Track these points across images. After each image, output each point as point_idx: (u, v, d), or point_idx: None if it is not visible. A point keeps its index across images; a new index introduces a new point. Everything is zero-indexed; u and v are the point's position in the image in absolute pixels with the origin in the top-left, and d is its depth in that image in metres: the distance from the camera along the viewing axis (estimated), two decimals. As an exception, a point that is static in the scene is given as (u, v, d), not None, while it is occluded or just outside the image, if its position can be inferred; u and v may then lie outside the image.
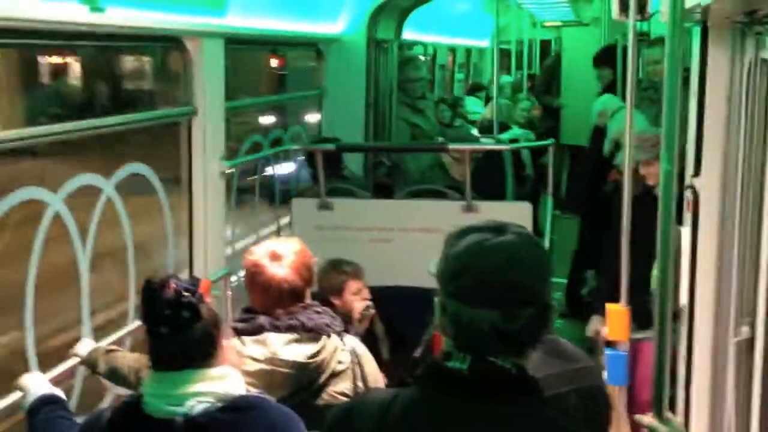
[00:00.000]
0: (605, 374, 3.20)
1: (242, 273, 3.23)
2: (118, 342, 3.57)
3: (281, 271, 2.96)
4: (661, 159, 1.87)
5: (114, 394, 3.62)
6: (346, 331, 3.20)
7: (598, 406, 2.12)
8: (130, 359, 3.15)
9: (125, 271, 3.91)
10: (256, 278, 2.98)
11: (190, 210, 4.30)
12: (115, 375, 3.15)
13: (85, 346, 3.25)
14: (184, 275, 4.27)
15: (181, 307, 2.27)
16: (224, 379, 2.32)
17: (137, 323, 3.77)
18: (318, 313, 2.99)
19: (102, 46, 3.99)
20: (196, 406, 2.25)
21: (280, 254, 3.00)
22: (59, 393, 2.78)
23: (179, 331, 2.28)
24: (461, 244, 1.74)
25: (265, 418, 2.31)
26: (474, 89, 11.80)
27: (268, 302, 2.97)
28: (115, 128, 3.89)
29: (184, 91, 4.24)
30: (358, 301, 4.12)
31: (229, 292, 4.34)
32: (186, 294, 2.28)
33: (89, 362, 3.19)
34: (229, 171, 4.57)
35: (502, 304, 1.67)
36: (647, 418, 2.03)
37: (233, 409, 2.28)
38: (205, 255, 4.31)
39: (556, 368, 1.79)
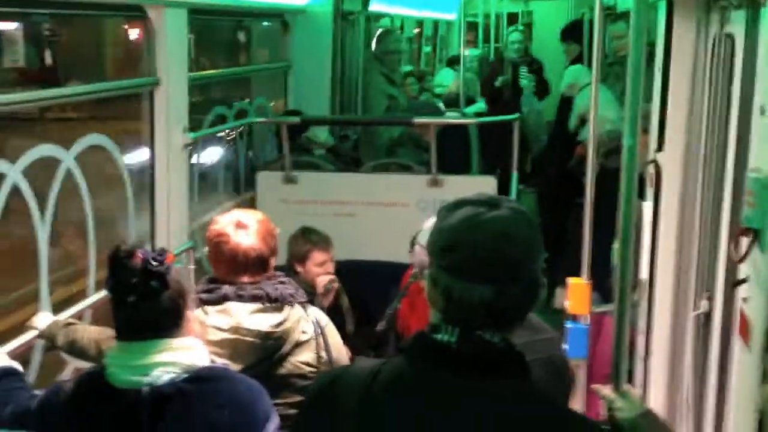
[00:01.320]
0: (566, 346, 3.23)
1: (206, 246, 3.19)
2: (78, 316, 3.52)
3: (247, 239, 2.94)
4: (624, 134, 1.88)
5: (74, 367, 3.58)
6: (311, 302, 3.20)
7: (561, 376, 2.14)
8: (91, 332, 3.11)
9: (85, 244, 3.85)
10: (221, 247, 2.95)
11: (152, 182, 4.24)
12: (75, 348, 3.11)
13: (43, 320, 3.20)
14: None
15: (149, 276, 2.25)
16: (190, 350, 2.31)
17: (97, 296, 3.73)
18: (282, 283, 2.99)
19: (61, 14, 3.89)
20: (162, 376, 2.24)
21: (245, 223, 2.98)
22: (17, 366, 2.74)
23: (146, 300, 2.26)
24: (455, 217, 1.71)
25: (231, 389, 2.31)
26: (452, 61, 11.74)
27: (233, 271, 2.94)
28: (76, 98, 3.82)
29: (147, 61, 4.17)
30: (321, 274, 4.13)
31: (192, 266, 4.30)
32: (154, 263, 2.25)
33: (47, 335, 3.15)
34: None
35: (494, 278, 1.66)
36: (605, 390, 2.04)
37: (198, 379, 2.27)
38: (167, 228, 4.26)
39: (524, 339, 1.80)
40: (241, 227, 2.96)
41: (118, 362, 2.28)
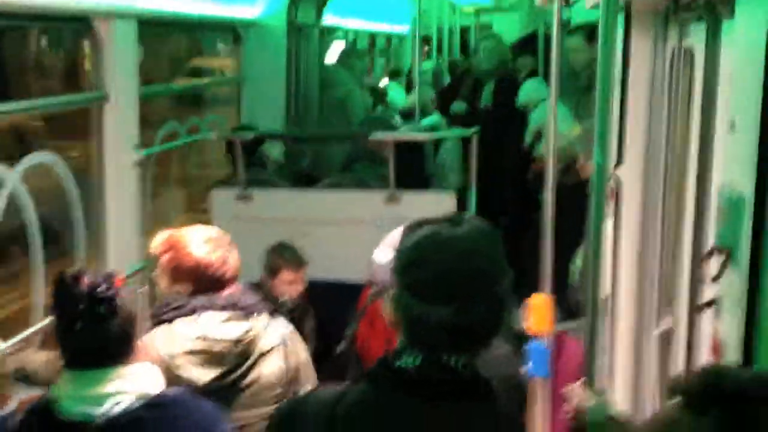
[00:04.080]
0: (528, 366, 3.18)
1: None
2: (26, 341, 3.38)
3: (228, 257, 2.88)
4: (594, 152, 1.83)
5: (20, 396, 3.43)
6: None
7: (518, 393, 2.12)
8: (41, 356, 3.00)
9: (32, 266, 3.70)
10: (204, 271, 2.85)
11: (101, 201, 4.10)
12: (24, 375, 2.99)
13: (-13, 348, 3.07)
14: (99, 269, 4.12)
15: (97, 302, 2.16)
16: (144, 376, 2.22)
17: (46, 321, 3.58)
18: (246, 293, 2.93)
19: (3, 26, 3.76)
20: (116, 405, 2.15)
21: (217, 241, 2.90)
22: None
23: (95, 327, 2.16)
24: (415, 236, 1.69)
25: (189, 415, 2.23)
26: (393, 74, 11.74)
27: (213, 288, 2.85)
28: (21, 113, 3.69)
29: (95, 75, 4.04)
30: (289, 292, 4.15)
31: (146, 287, 4.17)
32: (101, 288, 2.16)
33: (-8, 364, 3.02)
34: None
35: (454, 298, 1.61)
36: (578, 389, 2.03)
37: (154, 406, 2.18)
38: (118, 248, 4.12)
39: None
40: (219, 246, 2.88)
41: (67, 393, 2.18)
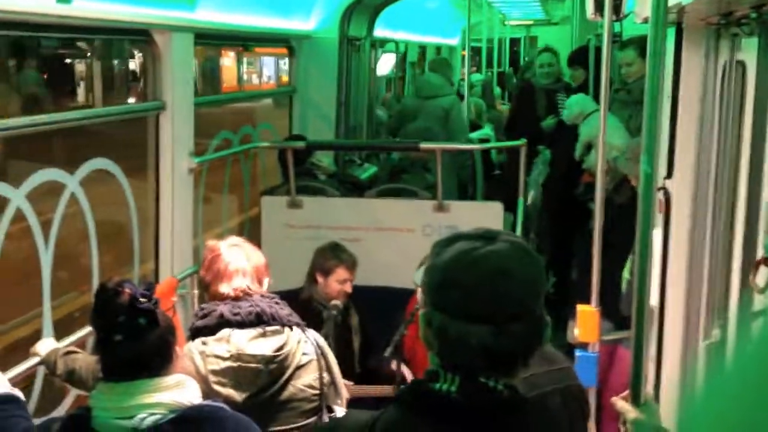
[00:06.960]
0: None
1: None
2: (80, 342, 3.47)
3: (241, 251, 3.02)
4: (641, 162, 1.85)
5: (75, 395, 3.53)
6: (308, 325, 3.21)
7: (579, 405, 2.11)
8: (90, 361, 3.07)
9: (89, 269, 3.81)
10: (217, 262, 2.99)
11: (157, 206, 4.22)
12: (74, 378, 3.06)
13: (45, 346, 3.16)
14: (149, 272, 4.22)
15: (137, 314, 2.17)
16: (178, 388, 2.22)
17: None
18: (278, 304, 2.97)
19: (69, 39, 3.89)
20: (147, 418, 2.14)
21: (236, 242, 3.07)
22: (17, 393, 2.68)
23: (134, 339, 2.17)
24: (448, 253, 1.60)
25: (216, 430, 2.20)
26: None
27: (232, 282, 2.95)
28: (81, 122, 3.81)
29: (153, 85, 4.16)
30: (341, 291, 4.21)
31: (196, 290, 4.26)
32: (142, 299, 2.17)
33: (47, 363, 3.10)
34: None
35: (491, 318, 1.54)
36: (620, 401, 2.02)
37: (183, 421, 2.16)
38: (171, 252, 4.23)
39: (542, 368, 1.76)
40: (235, 245, 3.05)
41: (103, 404, 2.19)
